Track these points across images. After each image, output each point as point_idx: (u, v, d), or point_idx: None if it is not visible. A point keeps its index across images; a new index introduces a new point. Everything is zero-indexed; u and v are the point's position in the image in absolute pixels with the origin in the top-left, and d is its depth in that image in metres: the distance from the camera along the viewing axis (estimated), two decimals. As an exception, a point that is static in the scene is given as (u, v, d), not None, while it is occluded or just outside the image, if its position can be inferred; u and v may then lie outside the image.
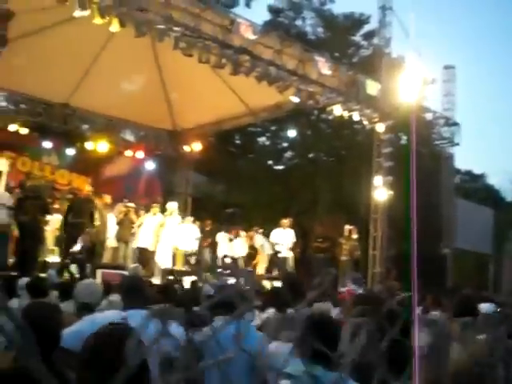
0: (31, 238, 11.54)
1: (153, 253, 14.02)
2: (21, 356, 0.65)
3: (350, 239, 15.32)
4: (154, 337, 0.77)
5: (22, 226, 11.48)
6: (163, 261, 14.35)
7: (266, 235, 16.01)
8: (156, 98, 16.49)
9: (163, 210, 14.58)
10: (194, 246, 16.16)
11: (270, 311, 6.77)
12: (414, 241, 1.28)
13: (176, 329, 2.61)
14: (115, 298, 5.94)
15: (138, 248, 14.26)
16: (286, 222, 15.33)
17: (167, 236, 14.50)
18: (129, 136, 18.66)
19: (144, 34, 10.36)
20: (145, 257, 13.98)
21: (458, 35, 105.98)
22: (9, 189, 12.47)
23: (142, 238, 14.06)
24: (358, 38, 27.66)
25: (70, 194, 15.70)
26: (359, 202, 15.31)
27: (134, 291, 3.85)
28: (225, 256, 16.11)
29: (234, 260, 15.71)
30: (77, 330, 3.44)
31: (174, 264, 15.09)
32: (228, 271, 15.26)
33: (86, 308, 4.56)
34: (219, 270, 14.41)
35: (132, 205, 14.98)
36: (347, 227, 15.66)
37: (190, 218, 16.25)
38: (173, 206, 14.92)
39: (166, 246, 14.47)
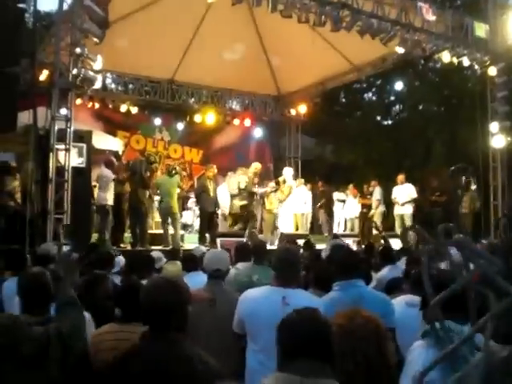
0: (134, 213, 12.05)
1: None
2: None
3: (469, 190, 14.72)
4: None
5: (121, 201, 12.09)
6: (285, 226, 14.58)
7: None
8: (258, 64, 16.50)
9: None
10: (306, 209, 16.17)
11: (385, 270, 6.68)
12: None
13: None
14: (241, 266, 6.09)
15: None
16: (402, 177, 15.00)
17: (288, 202, 14.69)
18: (235, 105, 18.84)
19: (241, 0, 10.30)
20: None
21: None
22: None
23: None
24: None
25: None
26: (475, 151, 14.55)
27: (290, 266, 3.81)
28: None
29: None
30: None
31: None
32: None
33: (217, 275, 4.54)
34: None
35: (250, 174, 15.17)
36: (465, 178, 15.04)
37: (301, 181, 16.23)
38: (288, 171, 15.04)
39: (286, 211, 14.71)
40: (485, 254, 1.11)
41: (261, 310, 3.60)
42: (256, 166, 13.98)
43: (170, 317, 2.50)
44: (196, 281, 5.01)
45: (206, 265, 4.65)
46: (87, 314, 3.88)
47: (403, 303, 4.04)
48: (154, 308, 2.59)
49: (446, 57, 12.88)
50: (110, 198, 11.83)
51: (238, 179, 14.11)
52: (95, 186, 12.25)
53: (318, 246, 10.69)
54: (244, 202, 13.76)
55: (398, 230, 14.51)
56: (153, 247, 11.29)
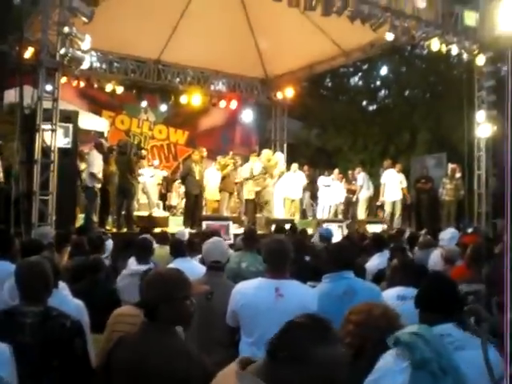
0: (123, 194, 11.90)
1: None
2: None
3: (454, 178, 14.81)
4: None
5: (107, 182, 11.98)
6: (277, 211, 14.59)
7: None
8: (246, 47, 16.34)
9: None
10: (299, 195, 16.14)
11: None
12: (507, 178, 1.16)
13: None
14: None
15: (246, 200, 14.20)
16: (389, 163, 15.24)
17: (279, 187, 14.65)
18: (221, 87, 18.68)
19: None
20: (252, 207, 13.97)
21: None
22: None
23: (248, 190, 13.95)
24: (450, -35, 26.03)
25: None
26: (461, 140, 14.61)
27: (281, 257, 3.78)
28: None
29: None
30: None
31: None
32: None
33: (217, 267, 4.41)
34: None
35: (237, 158, 15.09)
36: (450, 166, 15.12)
37: (295, 166, 16.10)
38: (279, 156, 15.03)
39: (278, 196, 14.68)
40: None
41: (254, 302, 3.58)
42: (269, 153, 14.65)
43: (159, 309, 2.51)
44: (183, 267, 4.93)
45: (205, 256, 4.56)
46: (80, 302, 3.85)
47: (395, 296, 4.02)
48: (146, 299, 2.65)
49: (435, 44, 12.87)
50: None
51: (251, 165, 13.93)
52: (83, 170, 12.09)
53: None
54: (258, 188, 13.68)
55: (388, 216, 14.74)
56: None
